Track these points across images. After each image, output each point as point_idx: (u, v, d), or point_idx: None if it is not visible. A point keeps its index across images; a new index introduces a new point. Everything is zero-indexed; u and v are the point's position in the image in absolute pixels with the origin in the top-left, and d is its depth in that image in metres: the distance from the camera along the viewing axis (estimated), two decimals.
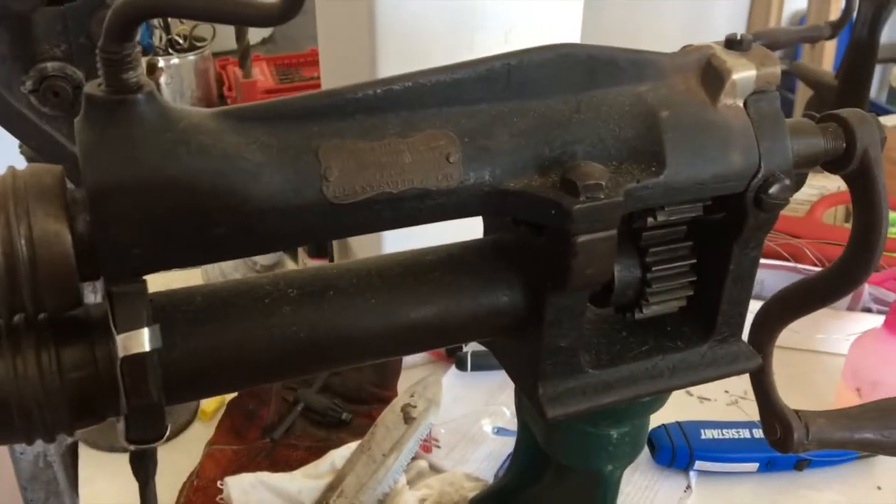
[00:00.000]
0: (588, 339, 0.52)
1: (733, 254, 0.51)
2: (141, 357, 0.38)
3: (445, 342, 0.51)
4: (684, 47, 0.50)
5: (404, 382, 1.05)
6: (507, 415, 1.00)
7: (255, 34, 1.81)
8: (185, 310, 0.43)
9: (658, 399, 0.56)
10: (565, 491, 0.63)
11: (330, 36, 1.07)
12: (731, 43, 0.48)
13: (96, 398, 0.41)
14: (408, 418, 0.92)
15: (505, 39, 0.91)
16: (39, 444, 1.03)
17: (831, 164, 0.51)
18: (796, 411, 0.59)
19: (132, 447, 0.44)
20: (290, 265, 1.23)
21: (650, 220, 0.49)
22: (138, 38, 0.38)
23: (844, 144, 0.50)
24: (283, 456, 0.92)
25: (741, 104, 0.48)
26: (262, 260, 1.18)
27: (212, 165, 0.39)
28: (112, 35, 0.36)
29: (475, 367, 1.05)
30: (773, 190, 0.48)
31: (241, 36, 1.62)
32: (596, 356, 0.52)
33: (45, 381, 0.39)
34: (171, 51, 1.64)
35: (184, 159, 0.38)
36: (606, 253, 0.45)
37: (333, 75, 1.11)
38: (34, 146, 0.72)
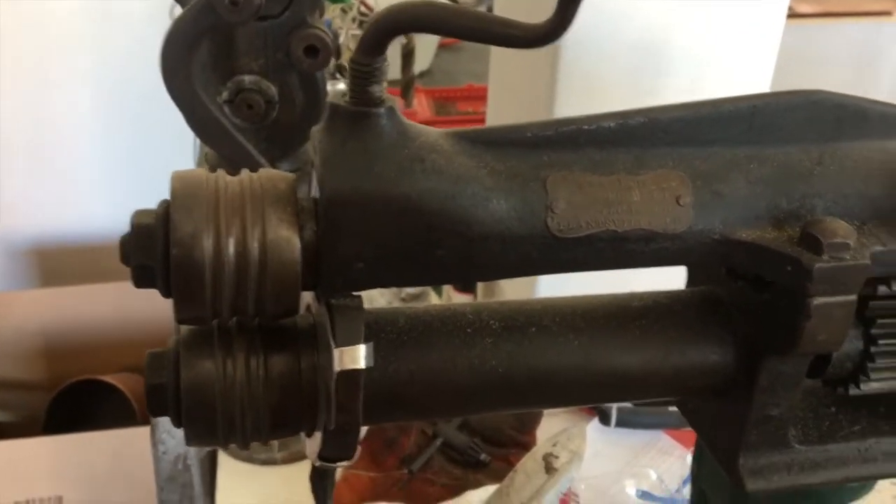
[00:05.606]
0: (796, 412, 0.48)
1: None
2: (356, 374, 0.37)
3: (643, 395, 0.48)
4: None
5: (543, 429, 1.02)
6: (653, 478, 0.95)
7: (416, 66, 1.84)
8: (389, 330, 0.42)
9: (865, 486, 0.51)
10: None
11: (504, 71, 1.07)
12: None
13: (295, 410, 0.40)
14: (549, 468, 0.88)
15: (690, 88, 0.88)
16: (181, 446, 1.06)
17: None
18: None
19: (319, 464, 0.43)
20: (434, 297, 1.23)
21: (883, 288, 0.45)
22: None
23: None
24: (419, 489, 0.90)
25: None
26: (409, 289, 1.18)
27: (443, 186, 0.38)
28: (366, 46, 0.36)
29: (619, 423, 1.01)
30: None
31: (406, 67, 1.65)
32: (803, 431, 0.48)
33: (251, 385, 0.39)
34: (338, 76, 1.69)
35: (418, 177, 0.37)
36: (843, 320, 0.41)
37: (502, 111, 1.10)
38: (224, 154, 0.74)
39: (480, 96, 1.65)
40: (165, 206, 0.37)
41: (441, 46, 2.38)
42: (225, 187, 0.37)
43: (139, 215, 0.37)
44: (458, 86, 1.91)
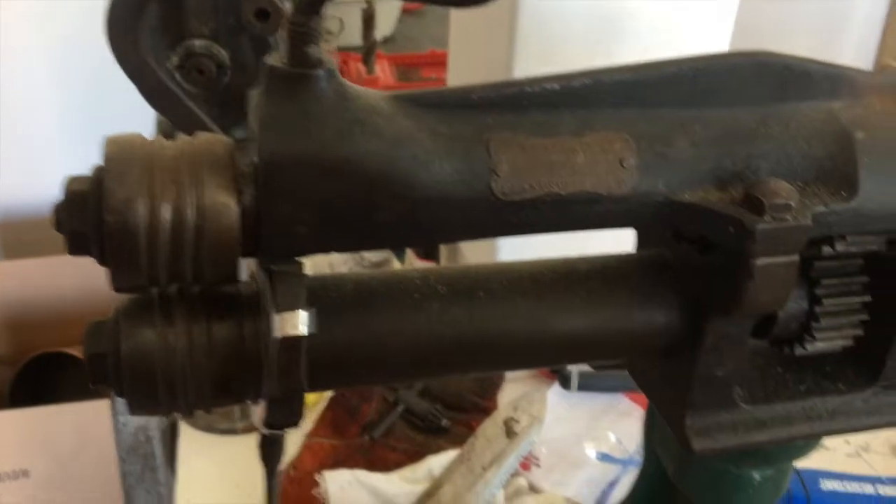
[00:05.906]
0: (742, 372, 0.49)
1: None
2: (297, 340, 0.36)
3: (591, 357, 0.48)
4: (883, 67, 0.46)
5: (504, 394, 1.02)
6: (612, 440, 0.96)
7: (378, 32, 1.82)
8: (335, 296, 0.42)
9: (809, 443, 0.52)
10: None
11: (463, 35, 1.06)
12: None
13: (239, 377, 0.40)
14: (510, 432, 0.89)
15: (646, 53, 0.88)
16: (141, 418, 1.05)
17: None
18: None
19: (266, 431, 0.43)
20: (396, 264, 1.22)
21: (827, 249, 0.45)
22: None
23: None
24: (380, 456, 0.91)
25: None
26: (371, 256, 1.18)
27: (383, 149, 0.37)
28: (302, 5, 0.35)
29: (580, 387, 1.02)
30: None
31: (367, 33, 1.63)
32: (749, 391, 0.49)
33: (193, 354, 0.38)
34: None
35: (357, 140, 0.37)
36: (786, 280, 0.41)
37: (462, 76, 1.09)
38: (176, 122, 0.73)
39: (444, 62, 1.63)
40: (99, 172, 0.36)
41: (405, 12, 2.36)
42: (161, 151, 0.36)
43: (72, 182, 0.36)
44: (422, 52, 1.89)
